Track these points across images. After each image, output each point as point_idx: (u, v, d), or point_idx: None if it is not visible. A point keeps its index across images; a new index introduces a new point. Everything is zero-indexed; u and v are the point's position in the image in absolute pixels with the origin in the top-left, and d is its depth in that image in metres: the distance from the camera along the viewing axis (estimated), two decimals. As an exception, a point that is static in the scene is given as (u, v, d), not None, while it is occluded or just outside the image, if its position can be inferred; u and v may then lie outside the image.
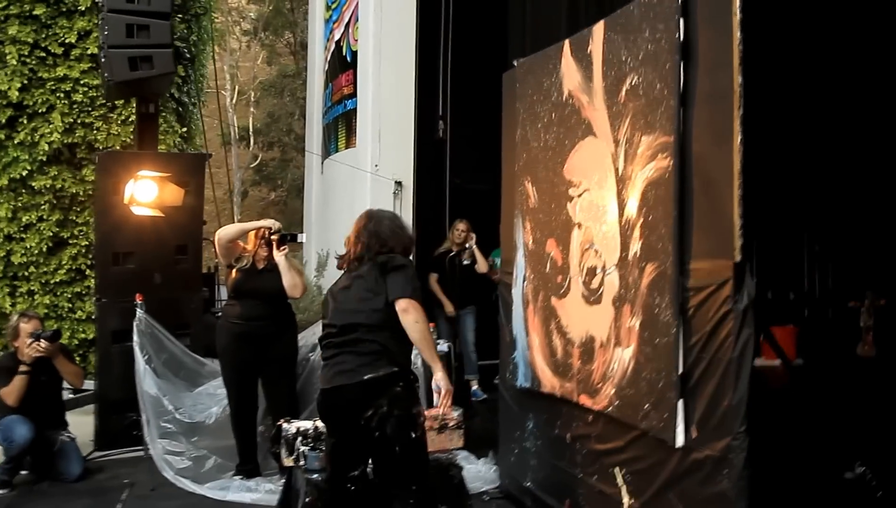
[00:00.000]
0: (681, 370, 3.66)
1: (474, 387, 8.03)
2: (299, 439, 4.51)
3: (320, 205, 9.51)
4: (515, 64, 5.22)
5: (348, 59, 8.25)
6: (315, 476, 4.26)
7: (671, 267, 3.68)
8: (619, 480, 4.14)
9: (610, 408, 4.15)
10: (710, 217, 3.54)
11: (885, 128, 4.19)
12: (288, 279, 5.50)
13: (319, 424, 4.50)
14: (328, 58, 9.14)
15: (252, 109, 20.76)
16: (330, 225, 8.86)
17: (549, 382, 4.73)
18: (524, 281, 5.09)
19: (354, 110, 8.00)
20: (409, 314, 3.88)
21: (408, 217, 7.58)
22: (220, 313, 6.71)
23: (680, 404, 3.66)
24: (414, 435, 3.84)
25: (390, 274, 3.94)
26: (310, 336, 5.91)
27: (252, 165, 19.87)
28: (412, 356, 4.09)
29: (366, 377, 3.84)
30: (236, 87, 21.35)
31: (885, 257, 4.50)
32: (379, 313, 3.92)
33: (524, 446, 5.09)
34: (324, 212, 9.29)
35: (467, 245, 7.56)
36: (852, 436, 4.12)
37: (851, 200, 4.26)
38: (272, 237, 5.46)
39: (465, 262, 7.71)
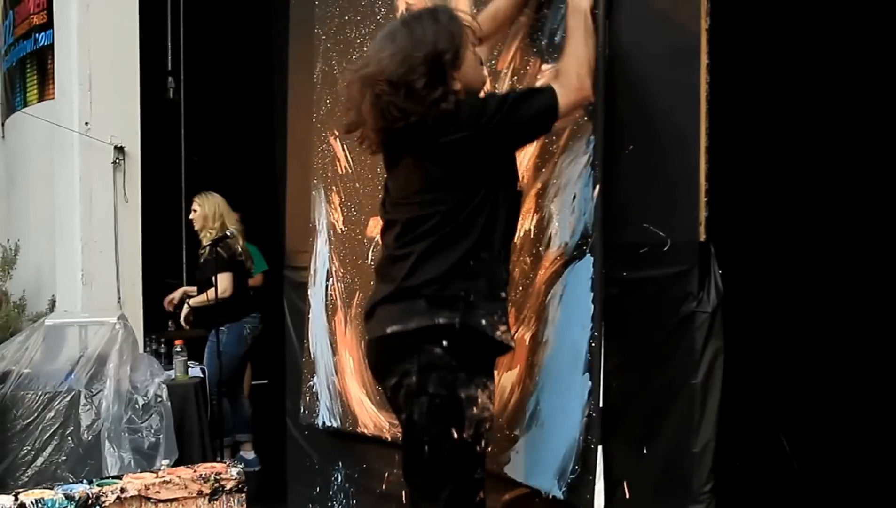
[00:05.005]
0: (602, 402, 2.75)
1: (246, 453, 5.93)
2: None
3: (2, 180, 7.92)
4: (313, -29, 4.08)
5: (38, -27, 6.76)
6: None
7: (588, 249, 2.75)
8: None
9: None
10: (658, 177, 2.65)
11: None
12: None
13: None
14: (5, -26, 7.50)
15: None
16: (19, 207, 7.36)
17: (372, 419, 3.70)
18: (329, 279, 3.99)
19: (51, 47, 6.51)
20: None
21: (134, 199, 6.14)
22: None
23: (600, 451, 2.76)
24: (456, 435, 2.40)
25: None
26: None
27: None
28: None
29: (388, 331, 2.46)
30: None
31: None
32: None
33: (329, 506, 4.05)
34: (8, 189, 7.70)
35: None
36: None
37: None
38: None
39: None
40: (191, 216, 5.77)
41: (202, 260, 5.81)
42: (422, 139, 2.40)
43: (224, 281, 5.54)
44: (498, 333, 2.46)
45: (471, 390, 2.39)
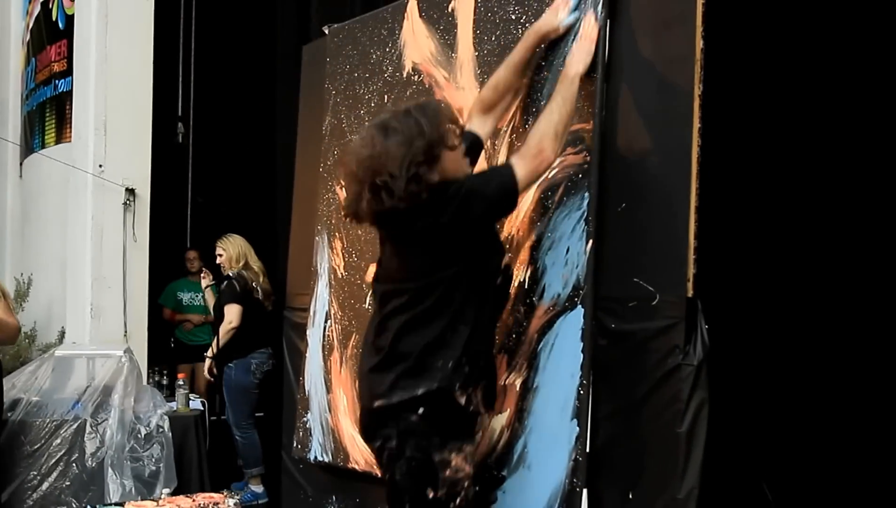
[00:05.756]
0: (589, 447, 2.74)
1: (255, 487, 5.69)
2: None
3: (18, 217, 7.87)
4: (326, 31, 4.13)
5: (60, 25, 6.71)
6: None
7: (580, 301, 2.76)
8: None
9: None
10: (648, 234, 2.67)
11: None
12: None
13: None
14: (30, 25, 7.45)
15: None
16: (33, 243, 7.32)
17: (363, 456, 3.66)
18: (327, 320, 3.97)
19: (69, 93, 6.49)
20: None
21: (143, 239, 6.14)
22: None
23: (585, 494, 2.73)
24: (431, 494, 2.48)
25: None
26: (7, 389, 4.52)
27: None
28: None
29: (374, 406, 2.57)
30: None
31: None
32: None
33: (321, 542, 3.94)
34: (23, 226, 7.66)
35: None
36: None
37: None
38: None
39: None
40: (217, 261, 5.81)
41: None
42: (397, 224, 2.50)
43: (231, 312, 5.55)
44: (471, 405, 2.54)
45: (444, 454, 2.47)
